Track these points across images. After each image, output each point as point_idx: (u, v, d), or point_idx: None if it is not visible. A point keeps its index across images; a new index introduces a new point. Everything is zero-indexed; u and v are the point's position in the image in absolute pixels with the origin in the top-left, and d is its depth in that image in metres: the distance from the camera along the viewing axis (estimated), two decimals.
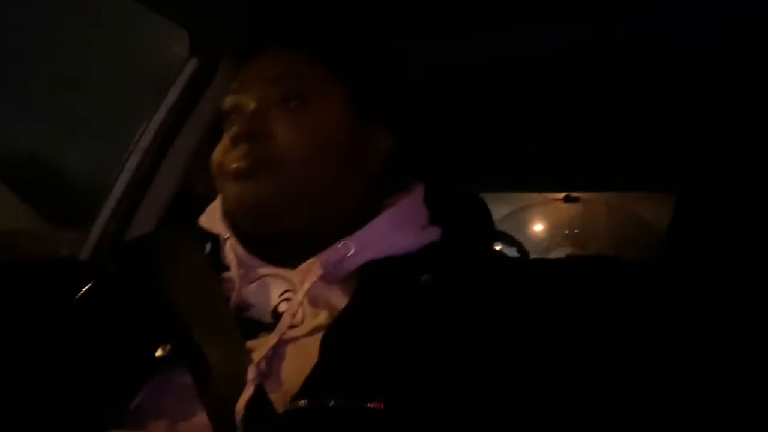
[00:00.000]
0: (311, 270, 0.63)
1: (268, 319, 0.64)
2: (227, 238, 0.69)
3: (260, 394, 0.56)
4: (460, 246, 0.69)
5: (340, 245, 0.65)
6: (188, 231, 0.75)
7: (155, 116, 1.11)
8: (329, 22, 0.77)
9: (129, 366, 0.61)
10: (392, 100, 0.74)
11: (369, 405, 0.51)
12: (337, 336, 0.58)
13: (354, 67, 0.71)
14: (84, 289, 0.73)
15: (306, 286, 0.62)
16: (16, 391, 0.62)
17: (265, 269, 0.67)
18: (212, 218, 0.73)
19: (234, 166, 0.65)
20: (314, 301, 0.63)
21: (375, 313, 0.60)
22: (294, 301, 0.62)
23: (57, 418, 0.60)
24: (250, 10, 0.94)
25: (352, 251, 0.64)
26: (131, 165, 1.10)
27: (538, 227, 3.53)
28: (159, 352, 0.60)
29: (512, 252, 1.98)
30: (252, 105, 0.68)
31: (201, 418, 0.57)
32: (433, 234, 0.71)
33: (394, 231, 0.68)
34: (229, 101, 0.71)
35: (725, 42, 1.05)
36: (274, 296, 0.65)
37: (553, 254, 3.31)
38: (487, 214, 1.03)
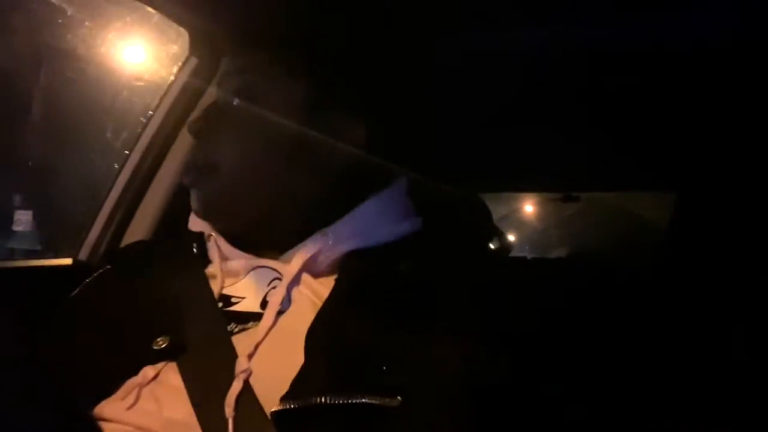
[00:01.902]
0: (293, 261, 0.65)
1: (258, 309, 0.65)
2: (210, 235, 0.71)
3: (248, 390, 0.56)
4: (443, 238, 0.69)
5: (318, 236, 0.66)
6: (181, 232, 0.77)
7: (155, 116, 1.11)
8: (291, 21, 0.77)
9: (125, 359, 0.61)
10: (356, 93, 0.73)
11: (356, 401, 0.52)
12: (320, 331, 0.58)
13: (309, 62, 0.71)
14: (81, 286, 0.74)
15: (288, 277, 0.63)
16: (14, 386, 0.63)
17: (252, 261, 0.68)
18: (196, 218, 0.74)
19: (187, 176, 0.70)
20: (299, 291, 0.64)
21: (356, 305, 0.61)
22: (278, 291, 0.63)
23: (55, 409, 0.60)
24: (250, 10, 0.94)
25: (331, 242, 0.66)
26: (130, 165, 1.10)
27: (538, 227, 3.53)
28: (156, 345, 0.61)
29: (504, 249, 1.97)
30: (209, 102, 0.72)
31: (190, 413, 0.57)
32: (413, 225, 0.71)
33: (373, 222, 0.69)
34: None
35: (725, 41, 1.05)
36: (263, 286, 0.66)
37: (553, 254, 3.31)
38: (482, 211, 1.03)
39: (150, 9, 0.97)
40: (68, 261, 1.08)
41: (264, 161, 0.68)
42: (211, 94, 0.72)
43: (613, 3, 0.94)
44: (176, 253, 0.74)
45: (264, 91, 0.69)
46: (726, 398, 0.95)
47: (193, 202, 0.70)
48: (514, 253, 1.98)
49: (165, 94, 1.12)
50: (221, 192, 0.68)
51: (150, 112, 1.12)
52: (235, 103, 0.69)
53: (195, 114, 0.71)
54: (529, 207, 3.48)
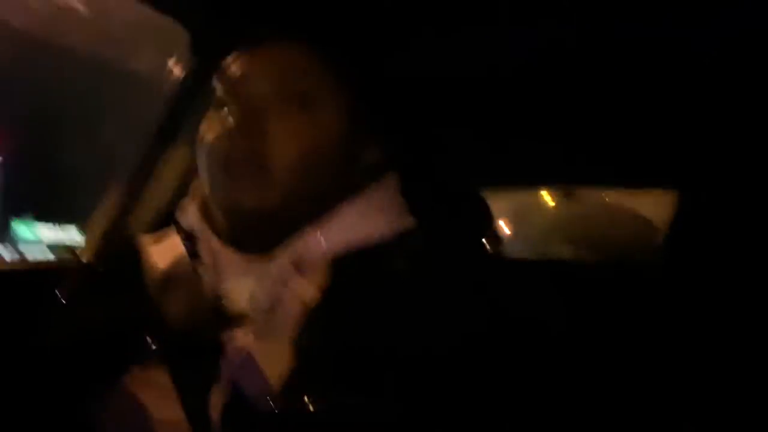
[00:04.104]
0: (282, 261, 0.64)
1: (247, 309, 0.64)
2: (201, 232, 0.70)
3: (235, 391, 0.56)
4: (439, 236, 0.69)
5: (308, 236, 0.65)
6: (170, 229, 0.76)
7: (155, 115, 1.11)
8: (335, 24, 0.76)
9: (116, 359, 0.61)
10: (387, 112, 0.74)
11: (347, 403, 0.52)
12: (310, 332, 0.58)
13: (356, 73, 0.71)
14: (78, 286, 0.74)
15: (277, 277, 0.63)
16: (11, 381, 0.63)
17: (242, 260, 0.67)
18: (187, 214, 0.74)
19: (228, 168, 0.65)
20: (288, 292, 0.64)
21: (348, 306, 0.60)
22: (267, 292, 0.63)
23: (49, 405, 0.61)
24: (251, 9, 0.94)
25: (321, 241, 0.65)
26: (130, 165, 1.10)
27: (537, 225, 3.53)
28: (146, 345, 0.62)
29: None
30: (251, 95, 0.67)
31: (178, 413, 0.57)
32: (406, 223, 0.70)
33: (362, 220, 0.68)
34: (225, 86, 0.69)
35: (726, 40, 1.05)
36: (252, 287, 0.65)
37: (552, 252, 3.31)
38: (481, 208, 1.03)
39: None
40: (66, 261, 1.08)
41: (313, 173, 0.66)
42: (257, 87, 0.67)
43: (614, 2, 0.94)
44: (165, 251, 0.73)
45: (318, 96, 0.67)
46: (727, 397, 0.95)
47: (235, 200, 0.65)
48: (511, 251, 1.98)
49: (165, 91, 1.11)
50: (273, 195, 0.65)
51: (150, 111, 1.12)
52: (291, 104, 0.66)
53: (236, 107, 0.66)
54: (528, 205, 3.48)
